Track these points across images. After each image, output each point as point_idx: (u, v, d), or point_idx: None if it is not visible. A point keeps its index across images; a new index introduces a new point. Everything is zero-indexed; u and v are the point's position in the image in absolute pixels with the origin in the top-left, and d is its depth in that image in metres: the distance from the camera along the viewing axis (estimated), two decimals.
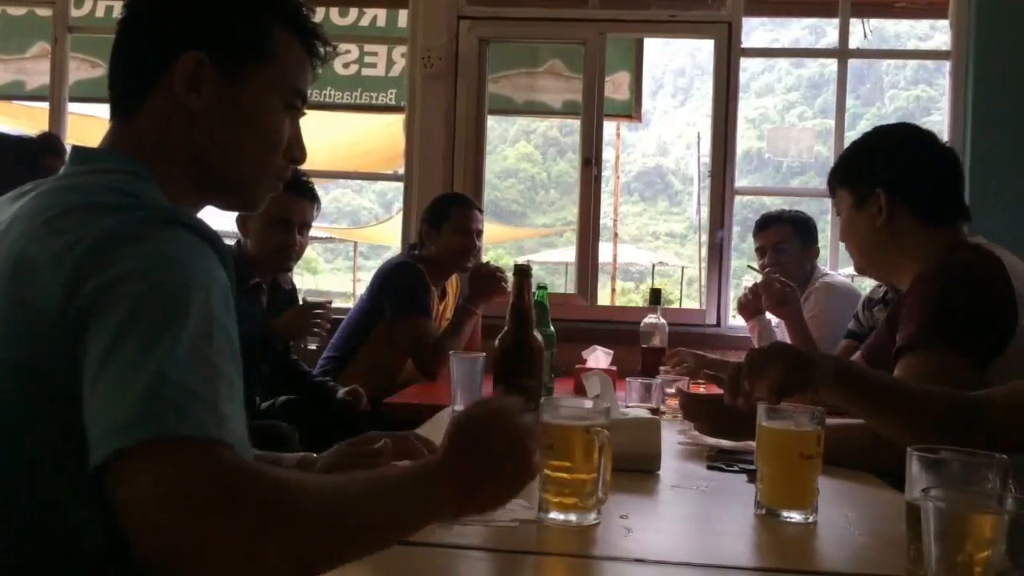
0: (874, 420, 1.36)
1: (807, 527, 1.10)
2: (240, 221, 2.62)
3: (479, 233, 3.11)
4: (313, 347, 2.69)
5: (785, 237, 3.02)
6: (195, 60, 0.98)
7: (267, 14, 1.03)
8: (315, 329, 2.57)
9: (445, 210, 3.05)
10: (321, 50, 1.08)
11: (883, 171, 1.69)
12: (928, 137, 1.74)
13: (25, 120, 5.34)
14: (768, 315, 3.02)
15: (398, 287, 2.96)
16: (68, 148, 2.75)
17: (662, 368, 2.22)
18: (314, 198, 2.67)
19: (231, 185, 1.06)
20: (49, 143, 2.06)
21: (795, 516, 1.11)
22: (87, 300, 0.79)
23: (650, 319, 2.70)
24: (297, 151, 1.09)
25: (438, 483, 0.85)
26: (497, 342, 1.53)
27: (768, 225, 3.07)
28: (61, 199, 0.91)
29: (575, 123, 3.84)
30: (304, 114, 1.10)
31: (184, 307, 0.79)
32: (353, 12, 4.52)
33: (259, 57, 1.02)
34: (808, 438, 1.11)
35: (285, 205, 2.53)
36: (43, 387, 0.83)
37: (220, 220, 2.99)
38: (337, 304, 3.16)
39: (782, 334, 2.97)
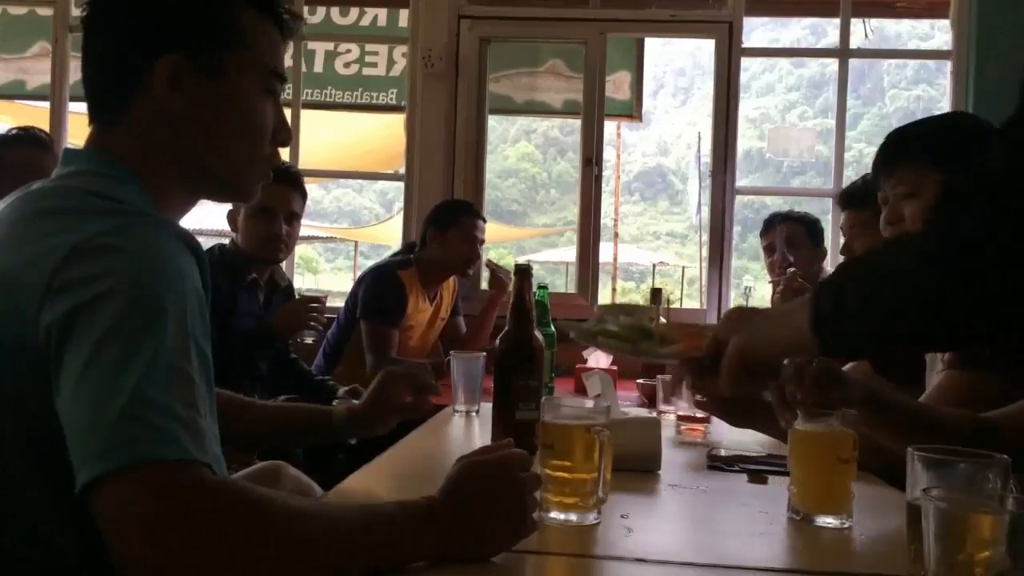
0: (896, 448, 1.32)
1: (811, 528, 1.10)
2: (230, 217, 2.60)
3: (482, 242, 3.15)
4: (309, 341, 2.70)
5: (796, 234, 3.01)
6: (172, 63, 0.97)
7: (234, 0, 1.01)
8: (311, 324, 2.57)
9: (453, 217, 3.08)
10: (290, 25, 1.06)
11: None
12: None
13: (27, 119, 5.33)
14: None
15: (370, 291, 3.02)
16: (63, 144, 2.75)
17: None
18: (298, 186, 2.61)
19: (223, 179, 1.04)
20: (28, 134, 2.03)
21: (831, 521, 1.09)
22: (63, 317, 0.79)
23: None
24: (283, 134, 1.07)
25: (428, 521, 0.86)
26: (498, 341, 1.53)
27: (777, 223, 3.06)
28: (37, 204, 0.91)
29: (576, 123, 3.84)
30: (282, 93, 1.08)
31: (161, 323, 0.79)
32: (354, 12, 4.52)
33: (234, 45, 1.00)
34: (844, 441, 1.09)
35: (267, 193, 2.45)
36: (19, 400, 0.83)
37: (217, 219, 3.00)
38: (337, 303, 3.18)
39: None
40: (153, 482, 0.72)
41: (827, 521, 1.09)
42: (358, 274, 3.35)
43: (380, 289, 3.01)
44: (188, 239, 0.89)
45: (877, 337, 0.88)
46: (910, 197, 1.55)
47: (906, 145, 1.56)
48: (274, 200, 2.50)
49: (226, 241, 2.62)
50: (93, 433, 0.73)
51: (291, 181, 2.56)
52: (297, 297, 2.72)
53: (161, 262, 0.83)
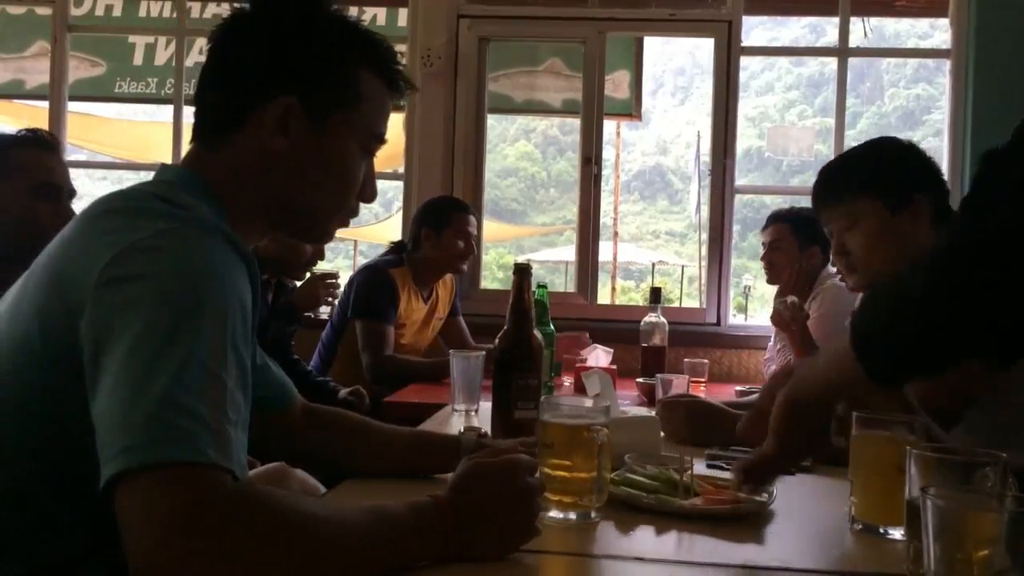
0: None
1: (811, 528, 1.10)
2: None
3: (475, 237, 3.18)
4: (325, 317, 2.79)
5: (780, 236, 3.01)
6: (286, 105, 0.99)
7: (358, 60, 1.05)
8: (328, 299, 2.73)
9: (446, 216, 3.11)
10: (403, 90, 1.10)
11: (920, 176, 1.65)
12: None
13: (26, 119, 5.34)
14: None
15: (362, 290, 3.03)
16: (65, 145, 2.76)
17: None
18: None
19: (304, 222, 1.08)
20: (33, 136, 2.04)
21: (895, 533, 1.05)
22: (103, 316, 0.80)
23: (650, 318, 2.70)
24: (368, 191, 1.11)
25: (436, 522, 0.86)
26: (497, 340, 1.53)
27: (768, 224, 3.07)
28: (104, 205, 0.93)
29: (575, 122, 3.84)
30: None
31: (197, 325, 0.79)
32: (353, 11, 4.51)
33: (347, 102, 1.03)
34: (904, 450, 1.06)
35: None
36: (47, 396, 0.85)
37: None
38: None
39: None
40: (169, 484, 0.72)
41: (890, 532, 1.05)
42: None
43: (372, 287, 3.02)
44: (239, 247, 0.90)
45: (917, 342, 0.85)
46: (852, 228, 1.68)
47: (829, 183, 1.71)
48: None
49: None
50: (119, 431, 0.74)
51: None
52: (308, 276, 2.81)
53: (205, 265, 0.83)
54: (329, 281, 2.72)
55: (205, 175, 1.00)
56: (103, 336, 0.79)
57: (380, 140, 1.09)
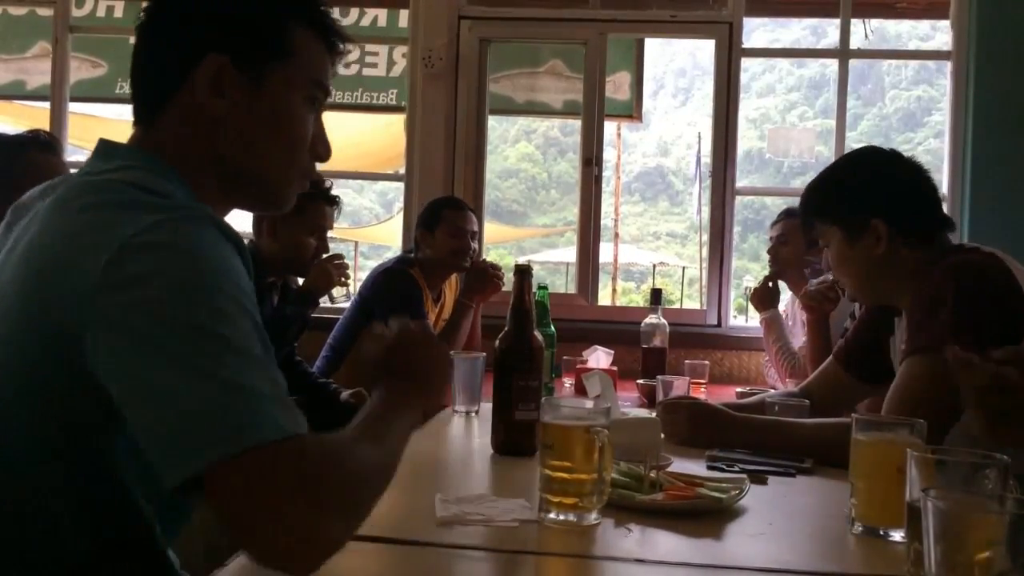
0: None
1: (810, 529, 1.10)
2: (258, 221, 2.66)
3: (473, 234, 3.13)
4: (342, 298, 2.79)
5: (788, 232, 3.00)
6: (216, 64, 0.96)
7: (285, 12, 1.02)
8: (342, 280, 2.80)
9: (437, 213, 3.09)
10: (339, 45, 1.07)
11: (876, 200, 1.66)
12: (899, 157, 1.72)
13: (27, 120, 5.34)
14: (781, 308, 3.03)
15: (389, 295, 2.99)
16: (66, 146, 2.77)
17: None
18: (339, 204, 2.83)
19: (259, 186, 1.04)
20: (39, 138, 2.05)
21: (895, 535, 1.05)
22: (118, 316, 0.78)
23: (651, 319, 2.70)
24: (321, 148, 1.08)
25: (398, 399, 0.98)
26: (497, 342, 1.53)
27: (780, 219, 3.08)
28: (89, 197, 0.90)
29: (576, 123, 3.84)
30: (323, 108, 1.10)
31: (224, 312, 0.79)
32: (354, 12, 4.52)
33: (280, 56, 1.00)
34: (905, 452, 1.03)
35: (324, 214, 2.69)
36: (45, 388, 0.83)
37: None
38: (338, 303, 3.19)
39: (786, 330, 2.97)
40: (265, 465, 0.73)
41: (891, 534, 1.05)
42: (359, 276, 3.37)
43: (403, 290, 2.98)
44: (227, 231, 0.89)
45: None
46: (825, 248, 1.76)
47: (804, 206, 1.80)
48: (328, 221, 2.71)
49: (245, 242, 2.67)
50: (191, 429, 0.73)
51: (337, 202, 2.77)
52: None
53: (207, 253, 0.83)
54: (338, 262, 2.76)
55: (155, 151, 0.98)
56: (125, 342, 0.77)
57: (324, 90, 1.06)
